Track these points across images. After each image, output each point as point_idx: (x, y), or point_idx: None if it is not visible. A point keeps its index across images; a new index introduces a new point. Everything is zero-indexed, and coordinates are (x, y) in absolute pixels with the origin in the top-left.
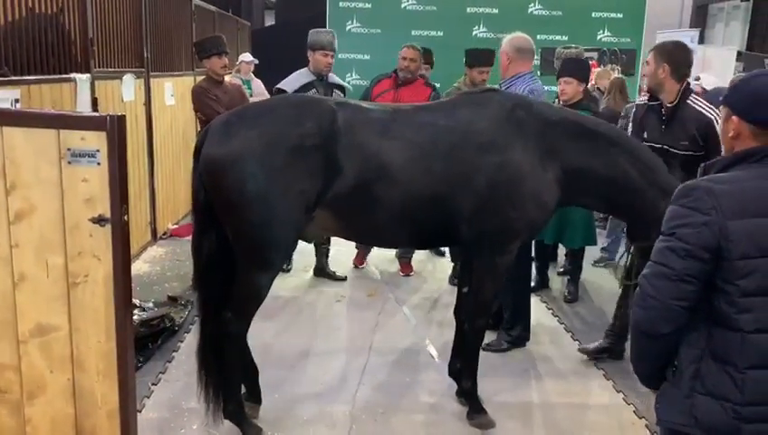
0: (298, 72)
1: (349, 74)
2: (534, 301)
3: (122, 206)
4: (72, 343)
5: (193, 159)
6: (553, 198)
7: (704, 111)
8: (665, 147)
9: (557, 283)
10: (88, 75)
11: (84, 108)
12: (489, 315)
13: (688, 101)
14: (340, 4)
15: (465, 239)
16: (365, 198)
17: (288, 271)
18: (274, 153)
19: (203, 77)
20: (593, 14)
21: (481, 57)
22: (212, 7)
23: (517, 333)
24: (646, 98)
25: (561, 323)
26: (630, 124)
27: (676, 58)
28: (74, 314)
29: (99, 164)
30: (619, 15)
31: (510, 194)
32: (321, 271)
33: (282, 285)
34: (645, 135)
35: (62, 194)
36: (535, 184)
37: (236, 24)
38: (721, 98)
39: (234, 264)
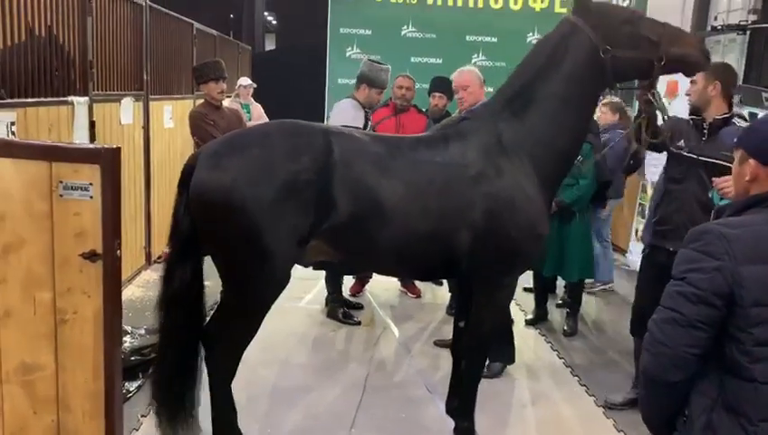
0: (350, 104)
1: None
2: (533, 334)
3: (115, 241)
4: (58, 383)
5: (179, 184)
6: (546, 221)
7: None
8: (701, 157)
9: (556, 314)
10: (86, 98)
11: (81, 131)
12: (487, 352)
13: (733, 120)
14: (341, 30)
15: (462, 272)
16: (360, 233)
17: (358, 323)
18: (267, 187)
19: (202, 100)
20: None
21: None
22: (213, 31)
23: (500, 347)
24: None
25: (561, 359)
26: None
27: (727, 77)
28: (61, 352)
29: (91, 198)
30: None
31: (505, 224)
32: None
33: (272, 315)
34: (681, 143)
35: (53, 228)
36: (529, 212)
37: (237, 48)
38: (735, 140)
39: (200, 294)
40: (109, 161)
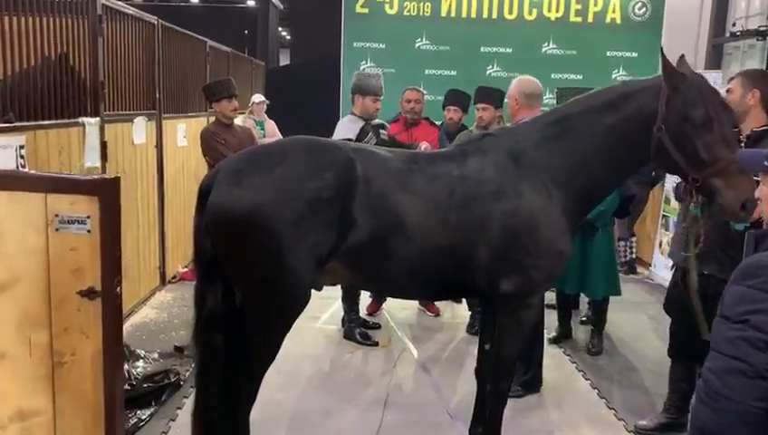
0: (347, 119)
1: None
2: (557, 353)
3: (114, 278)
4: (56, 429)
5: (197, 204)
6: (568, 239)
7: None
8: None
9: (580, 331)
10: (97, 119)
11: (93, 153)
12: (513, 376)
13: None
14: (354, 44)
15: (484, 292)
16: (379, 251)
17: (375, 344)
18: (290, 206)
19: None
20: (608, 54)
21: (480, 94)
22: (227, 48)
23: (529, 377)
24: None
25: (587, 380)
26: None
27: (767, 85)
28: (59, 396)
29: (89, 232)
30: (635, 54)
31: (525, 242)
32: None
33: (288, 336)
34: None
35: (49, 264)
36: (550, 229)
37: (251, 65)
38: (767, 162)
39: (240, 318)
40: (107, 192)
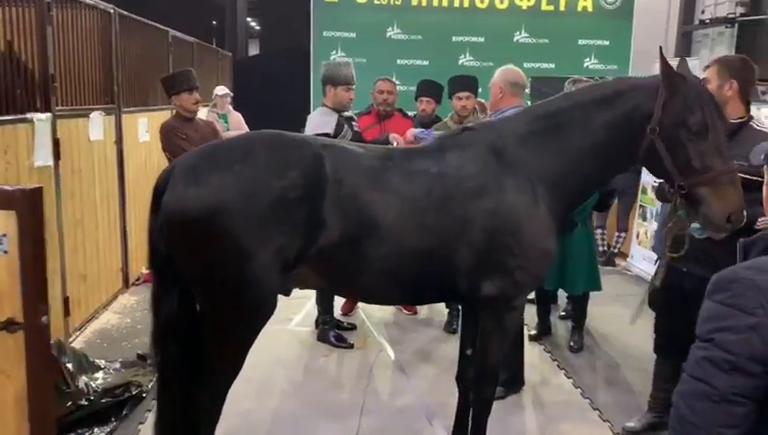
0: (319, 112)
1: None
2: (538, 351)
3: (39, 305)
4: None
5: (151, 203)
6: (554, 238)
7: None
8: None
9: (560, 327)
10: (48, 115)
11: (43, 151)
12: (497, 382)
13: (751, 123)
14: (324, 33)
15: (466, 296)
16: (352, 254)
17: (351, 346)
18: (251, 206)
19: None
20: (580, 42)
21: (458, 83)
22: (190, 38)
23: (511, 376)
24: None
25: (569, 378)
26: None
27: (746, 75)
28: None
29: (6, 252)
30: (606, 42)
31: (509, 243)
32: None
33: (257, 340)
34: None
35: None
36: (535, 228)
37: (217, 55)
38: (763, 156)
39: (200, 326)
40: (27, 206)
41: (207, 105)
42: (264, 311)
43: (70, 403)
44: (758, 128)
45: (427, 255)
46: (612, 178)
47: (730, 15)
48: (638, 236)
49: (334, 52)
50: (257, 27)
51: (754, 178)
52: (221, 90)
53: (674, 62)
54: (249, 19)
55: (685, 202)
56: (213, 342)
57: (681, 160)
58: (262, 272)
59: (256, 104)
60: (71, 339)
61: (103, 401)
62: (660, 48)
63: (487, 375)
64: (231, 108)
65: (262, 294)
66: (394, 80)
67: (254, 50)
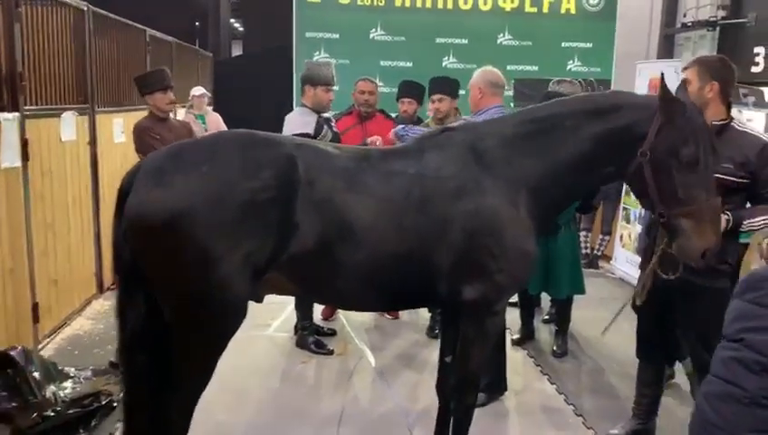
0: (298, 112)
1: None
2: (521, 356)
3: None
4: None
5: (116, 206)
6: (533, 240)
7: (757, 134)
8: None
9: (543, 331)
10: (15, 114)
11: (10, 151)
12: (478, 390)
13: (732, 124)
14: (307, 34)
15: (446, 300)
16: (326, 259)
17: (330, 353)
18: (219, 209)
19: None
20: (563, 44)
21: (435, 85)
22: (169, 38)
23: (492, 381)
24: None
25: (553, 384)
26: None
27: (726, 75)
28: None
29: None
30: (589, 45)
31: (489, 244)
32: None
33: (234, 346)
34: None
35: None
36: (515, 229)
37: (197, 55)
38: None
39: (168, 336)
40: None
41: (185, 106)
42: (233, 319)
43: (35, 414)
44: (740, 129)
45: (404, 258)
46: (596, 190)
47: (711, 18)
48: (621, 239)
49: (317, 53)
50: (241, 28)
51: (738, 180)
52: (197, 90)
53: (656, 64)
54: (233, 20)
55: (662, 227)
56: (180, 351)
57: (666, 189)
58: (230, 278)
59: (238, 105)
60: (40, 346)
61: (71, 411)
62: (662, 74)
63: (468, 383)
64: (209, 108)
65: (230, 301)
66: (377, 81)
67: (237, 51)
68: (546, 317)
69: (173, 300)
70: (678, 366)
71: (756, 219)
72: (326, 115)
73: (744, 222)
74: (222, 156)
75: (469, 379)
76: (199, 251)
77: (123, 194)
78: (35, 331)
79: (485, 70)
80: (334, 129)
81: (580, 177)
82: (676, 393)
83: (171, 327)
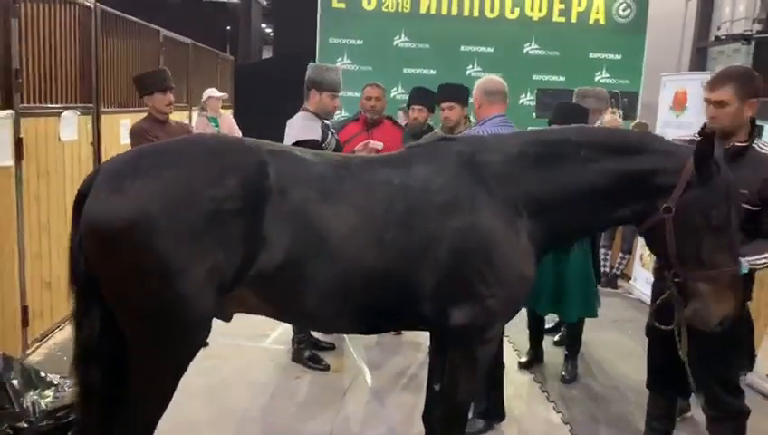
0: (302, 116)
1: (338, 112)
2: (526, 380)
3: None
4: None
5: (73, 211)
6: (531, 262)
7: None
8: None
9: (554, 355)
10: (10, 112)
11: (2, 150)
12: (465, 424)
13: (754, 145)
14: (331, 40)
15: (432, 325)
16: (297, 276)
17: (326, 368)
18: (180, 219)
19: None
20: (591, 55)
21: (444, 92)
22: (185, 39)
23: (489, 406)
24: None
25: (558, 413)
26: None
27: (761, 89)
28: None
29: None
30: (618, 57)
31: (480, 266)
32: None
33: (228, 358)
34: None
35: None
36: (511, 251)
37: (217, 58)
38: None
39: (119, 349)
40: None
41: (198, 109)
42: (195, 338)
43: (6, 426)
44: (761, 150)
45: (383, 276)
46: (606, 229)
47: (746, 32)
48: (641, 258)
49: (340, 58)
50: (271, 34)
51: (752, 208)
52: (214, 92)
53: (682, 77)
54: (264, 25)
55: (676, 288)
56: (136, 372)
57: (688, 250)
58: (192, 294)
59: (258, 109)
60: (29, 351)
61: (44, 423)
62: (705, 125)
63: (455, 415)
64: (223, 111)
65: (192, 319)
66: (399, 88)
67: (268, 56)
68: (557, 339)
69: (129, 316)
70: (694, 399)
71: (762, 256)
72: (326, 121)
73: (748, 259)
74: (186, 161)
75: (456, 411)
76: (158, 264)
77: (81, 199)
78: (24, 335)
79: (482, 79)
80: (335, 135)
81: (592, 211)
82: (690, 428)
83: (128, 344)
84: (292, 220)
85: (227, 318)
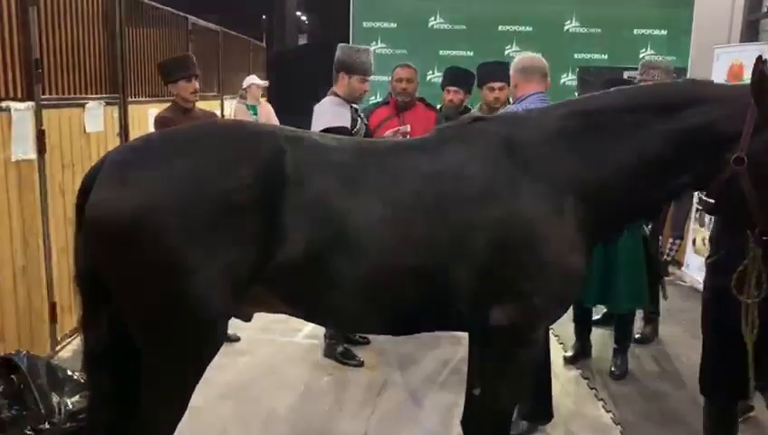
0: (330, 101)
1: (373, 96)
2: (573, 376)
3: None
4: None
5: (76, 207)
6: (581, 254)
7: None
8: None
9: (602, 350)
10: (29, 103)
11: (23, 143)
12: (509, 430)
13: None
14: (365, 23)
15: (469, 324)
16: (318, 273)
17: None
18: (190, 212)
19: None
20: (635, 32)
21: (491, 71)
22: (215, 26)
23: (532, 405)
24: None
25: (608, 412)
26: None
27: None
28: None
29: None
30: (663, 32)
31: (522, 260)
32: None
33: (261, 353)
34: None
35: None
36: (557, 241)
37: (249, 46)
38: None
39: (130, 354)
40: None
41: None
42: (208, 340)
43: (28, 427)
44: None
45: (414, 273)
46: (667, 201)
47: None
48: (694, 243)
49: (374, 42)
50: (306, 22)
51: None
52: (253, 79)
53: (738, 48)
54: (299, 13)
55: (761, 253)
56: (148, 378)
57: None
58: (205, 293)
59: (292, 96)
60: (58, 347)
61: (67, 425)
62: (759, 57)
63: (497, 424)
64: (262, 100)
65: (206, 320)
66: (434, 71)
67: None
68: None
69: (139, 319)
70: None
71: None
72: (355, 106)
73: None
74: (196, 150)
75: (498, 418)
76: (167, 261)
77: (85, 191)
78: (53, 331)
79: (518, 57)
80: (365, 120)
81: (649, 183)
82: (756, 429)
83: (140, 349)
84: (310, 212)
85: (246, 318)
